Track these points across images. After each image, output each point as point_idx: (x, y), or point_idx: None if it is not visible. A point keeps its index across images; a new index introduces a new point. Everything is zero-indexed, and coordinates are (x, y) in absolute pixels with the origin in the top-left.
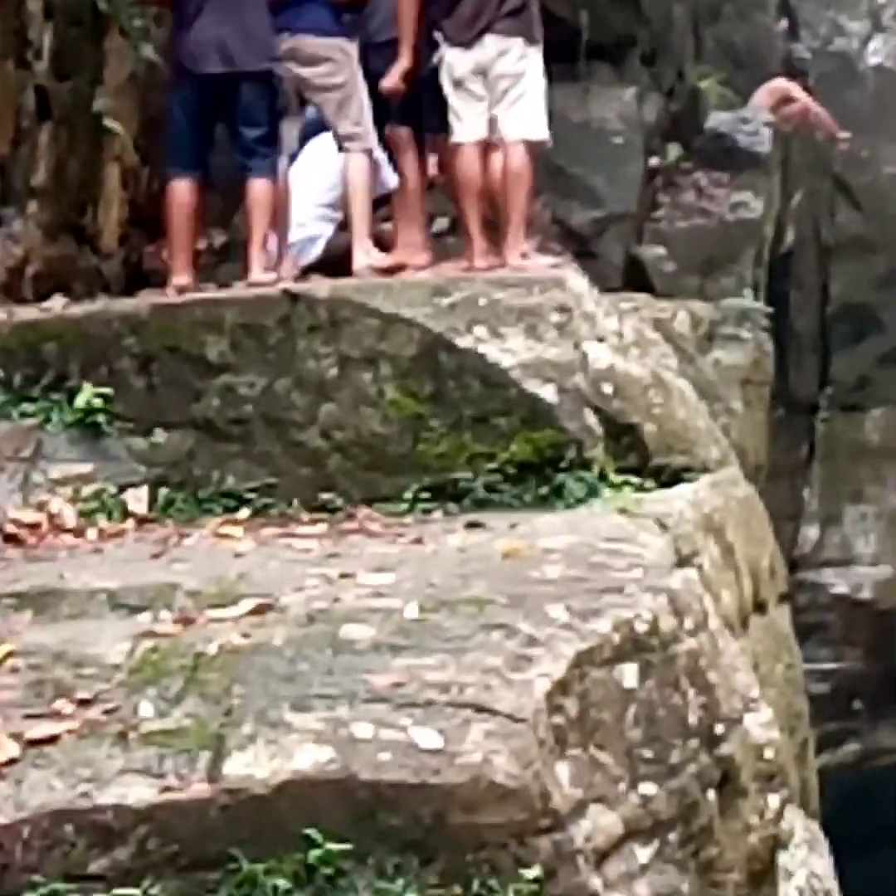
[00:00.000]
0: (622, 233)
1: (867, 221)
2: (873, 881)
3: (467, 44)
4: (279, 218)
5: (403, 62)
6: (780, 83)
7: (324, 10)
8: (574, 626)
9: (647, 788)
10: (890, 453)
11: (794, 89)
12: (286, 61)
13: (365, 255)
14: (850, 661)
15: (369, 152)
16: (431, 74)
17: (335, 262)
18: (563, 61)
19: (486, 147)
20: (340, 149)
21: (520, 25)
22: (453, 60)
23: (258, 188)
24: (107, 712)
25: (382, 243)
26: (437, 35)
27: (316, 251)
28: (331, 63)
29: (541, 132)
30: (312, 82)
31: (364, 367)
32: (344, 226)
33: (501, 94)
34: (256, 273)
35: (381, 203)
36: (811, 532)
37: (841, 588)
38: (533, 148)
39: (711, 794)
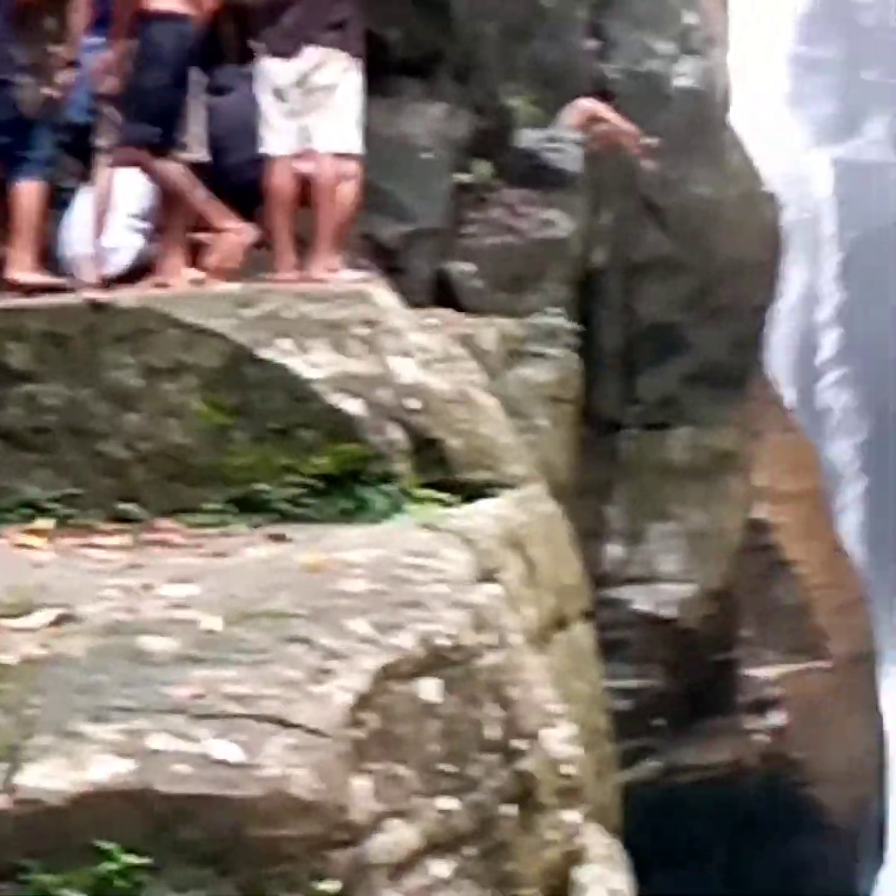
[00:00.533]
0: (430, 249)
1: (674, 242)
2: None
3: (288, 54)
4: (95, 223)
5: (111, 55)
6: (589, 103)
7: None
8: (376, 641)
9: (447, 803)
10: (694, 472)
11: (603, 109)
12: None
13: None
14: (652, 678)
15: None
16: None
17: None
18: (372, 76)
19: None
20: None
21: (342, 38)
22: (273, 70)
23: (19, 191)
24: None
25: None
26: (257, 45)
27: (120, 261)
28: None
29: (354, 145)
30: None
31: (169, 377)
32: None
33: (317, 105)
34: (15, 273)
35: None
36: (615, 550)
37: (644, 606)
38: (354, 163)
39: (510, 809)
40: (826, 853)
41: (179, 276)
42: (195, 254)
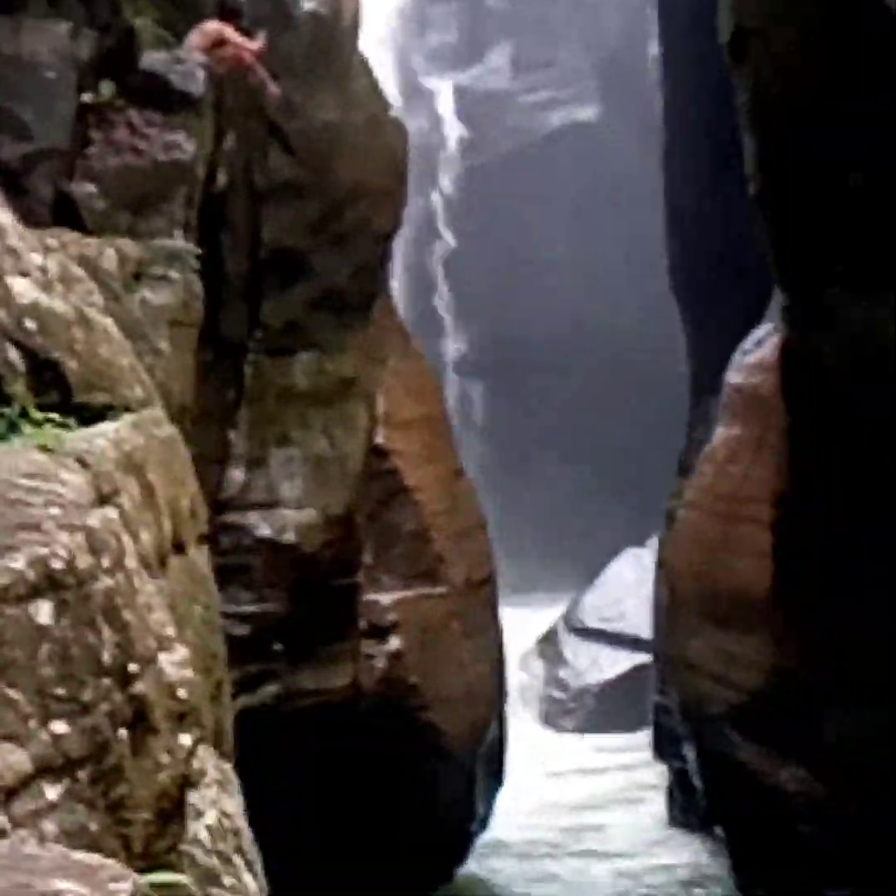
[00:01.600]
0: (53, 169)
1: (299, 166)
2: (287, 820)
3: None
4: None
5: None
6: (215, 25)
7: None
8: None
9: (59, 727)
10: (316, 397)
11: (229, 32)
12: None
13: None
14: (272, 603)
15: None
16: None
17: None
18: None
19: None
20: None
21: None
22: None
23: None
24: None
25: None
26: None
27: None
28: None
29: None
30: None
31: None
32: None
33: None
34: None
35: None
36: (237, 474)
37: (265, 531)
38: None
39: (123, 733)
40: (444, 776)
41: None
42: None
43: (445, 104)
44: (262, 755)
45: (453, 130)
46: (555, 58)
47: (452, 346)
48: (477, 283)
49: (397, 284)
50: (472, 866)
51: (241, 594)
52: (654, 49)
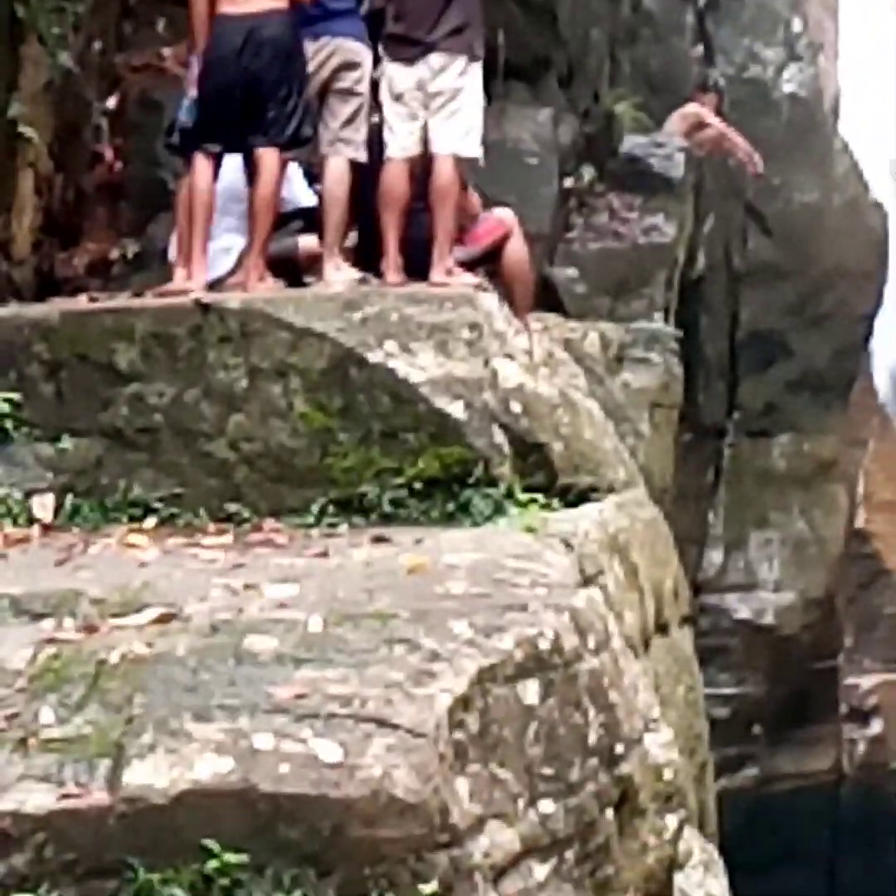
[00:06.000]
0: (536, 253)
1: (778, 248)
2: None
3: (411, 60)
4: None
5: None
6: (694, 108)
7: (359, 20)
8: (477, 643)
9: (546, 806)
10: (795, 479)
11: (708, 115)
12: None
13: (335, 269)
14: (751, 685)
15: (352, 163)
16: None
17: (282, 264)
18: None
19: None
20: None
21: (463, 43)
22: (394, 75)
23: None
24: (7, 718)
25: (295, 260)
26: (381, 51)
27: (228, 263)
28: (361, 69)
29: (473, 149)
30: (339, 86)
31: (274, 379)
32: (304, 229)
33: (438, 107)
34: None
35: (292, 218)
36: (716, 556)
37: (743, 613)
38: (461, 165)
39: (610, 813)
40: None
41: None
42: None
43: None
44: (742, 838)
45: None
46: None
47: None
48: None
49: (882, 365)
50: None
51: (720, 676)
52: None
